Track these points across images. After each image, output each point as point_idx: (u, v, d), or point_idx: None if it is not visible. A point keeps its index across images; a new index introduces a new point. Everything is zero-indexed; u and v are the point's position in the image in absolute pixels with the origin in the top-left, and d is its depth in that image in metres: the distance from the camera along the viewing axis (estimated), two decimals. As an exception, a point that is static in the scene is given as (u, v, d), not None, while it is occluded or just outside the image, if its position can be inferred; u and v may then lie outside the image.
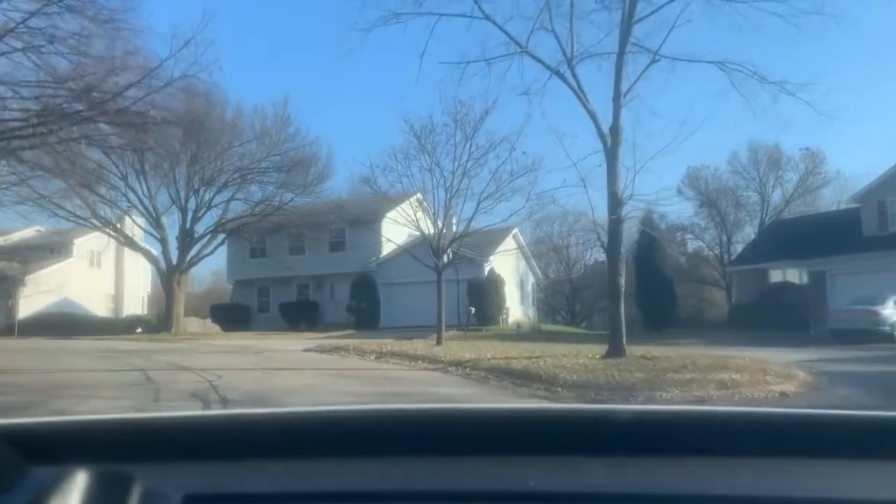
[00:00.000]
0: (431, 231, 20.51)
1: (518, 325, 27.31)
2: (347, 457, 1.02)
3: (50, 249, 40.89)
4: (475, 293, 30.74)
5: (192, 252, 29.13)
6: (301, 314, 33.81)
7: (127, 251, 42.77)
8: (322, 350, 17.72)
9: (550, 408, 1.55)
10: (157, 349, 19.05)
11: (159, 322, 31.62)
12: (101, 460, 0.90)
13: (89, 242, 39.65)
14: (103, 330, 35.00)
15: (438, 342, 17.45)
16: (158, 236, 28.17)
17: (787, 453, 0.99)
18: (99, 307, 40.93)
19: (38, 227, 44.72)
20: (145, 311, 43.68)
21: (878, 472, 0.97)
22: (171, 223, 29.31)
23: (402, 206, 35.62)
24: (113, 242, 41.00)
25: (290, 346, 20.59)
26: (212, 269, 70.69)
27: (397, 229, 35.38)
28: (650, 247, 29.01)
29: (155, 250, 30.41)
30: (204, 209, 28.34)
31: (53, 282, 36.59)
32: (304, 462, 1.02)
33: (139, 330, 37.67)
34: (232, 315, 34.92)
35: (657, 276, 29.07)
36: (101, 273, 42.07)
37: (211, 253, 29.05)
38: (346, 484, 0.96)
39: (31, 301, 36.19)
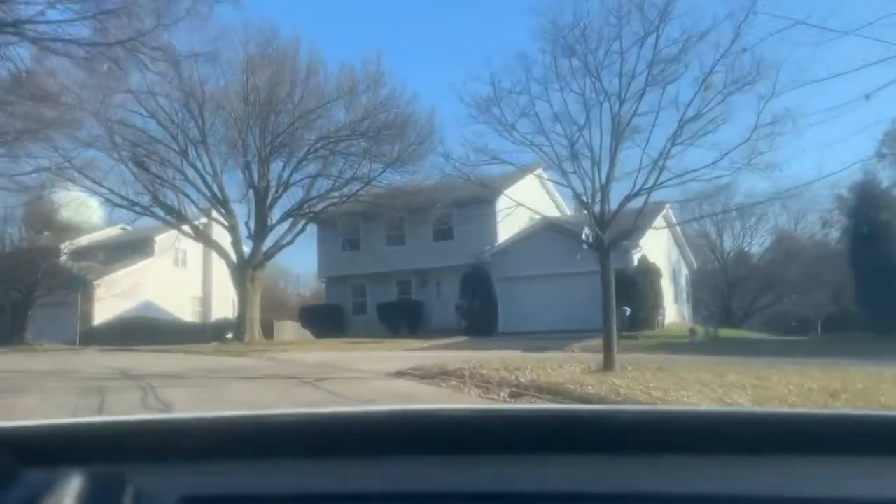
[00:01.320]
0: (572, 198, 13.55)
1: (692, 332, 19.98)
2: (345, 458, 0.99)
3: (132, 248, 37.28)
4: (623, 288, 23.59)
5: (269, 242, 23.68)
6: (402, 316, 27.91)
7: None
8: (422, 375, 11.39)
9: (557, 408, 1.53)
10: (194, 370, 13.45)
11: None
12: (95, 462, 0.89)
13: (173, 239, 35.58)
14: (186, 337, 30.73)
15: (608, 364, 10.58)
16: (227, 224, 22.99)
17: (789, 452, 0.97)
18: (185, 311, 36.89)
19: (122, 225, 41.53)
20: (235, 315, 39.44)
21: (879, 470, 0.95)
22: (242, 211, 23.98)
23: (523, 181, 29.14)
24: (199, 234, 36.83)
25: (380, 363, 14.47)
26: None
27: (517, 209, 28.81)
28: (874, 222, 20.78)
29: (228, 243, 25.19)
30: (281, 188, 22.88)
31: (131, 283, 32.65)
32: (301, 464, 0.99)
33: (229, 335, 33.25)
34: (323, 318, 29.56)
35: (885, 263, 20.76)
36: (186, 273, 38.05)
37: (290, 242, 23.53)
38: (343, 485, 0.95)
39: (109, 305, 32.41)
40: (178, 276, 37.28)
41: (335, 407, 1.51)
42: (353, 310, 30.42)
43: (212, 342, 32.63)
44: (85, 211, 38.84)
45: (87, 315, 32.34)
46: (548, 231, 25.72)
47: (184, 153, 21.61)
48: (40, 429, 1.04)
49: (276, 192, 22.64)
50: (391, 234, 29.26)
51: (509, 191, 28.46)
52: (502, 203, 27.96)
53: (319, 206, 23.18)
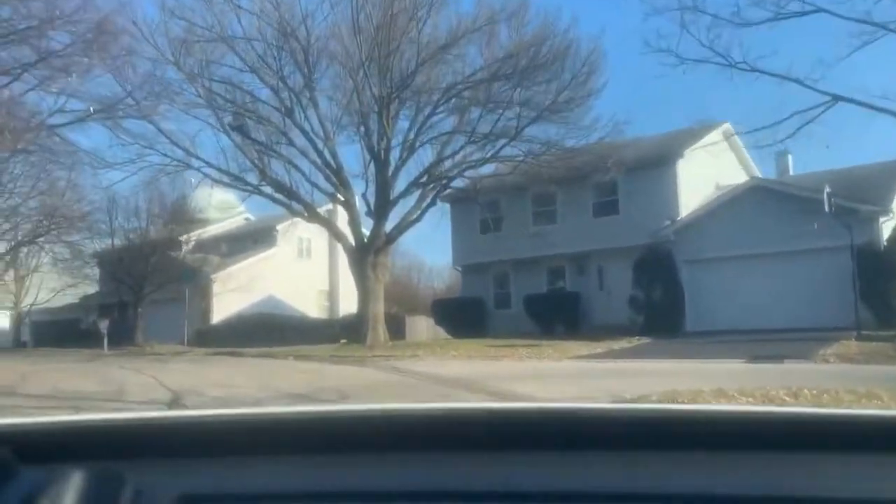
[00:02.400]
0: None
1: None
2: (345, 456, 0.98)
3: (253, 239, 34.52)
4: (871, 268, 17.08)
5: (392, 222, 19.10)
6: (556, 311, 22.71)
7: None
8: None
9: (548, 407, 1.19)
10: (279, 395, 8.98)
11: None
12: (95, 460, 0.89)
13: (296, 228, 32.35)
14: (311, 335, 27.39)
15: None
16: (342, 198, 18.67)
17: (788, 450, 0.96)
18: (310, 306, 33.61)
19: (247, 216, 39.19)
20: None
21: (878, 469, 0.94)
22: (360, 186, 19.44)
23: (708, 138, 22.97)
24: (311, 213, 33.37)
25: (553, 384, 9.43)
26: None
27: (702, 174, 22.67)
28: None
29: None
30: (406, 152, 18.20)
31: (250, 277, 29.67)
32: (301, 461, 0.98)
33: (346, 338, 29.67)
34: (460, 313, 24.97)
35: None
36: (311, 264, 34.81)
37: (418, 219, 18.75)
38: (344, 483, 0.94)
39: (229, 301, 29.56)
40: (302, 267, 34.09)
41: (333, 406, 1.37)
42: (495, 303, 25.53)
43: (340, 340, 29.31)
44: (208, 200, 36.83)
45: (205, 313, 29.70)
46: (756, 196, 19.50)
47: (288, 112, 17.52)
48: (39, 426, 1.04)
49: (401, 156, 18.11)
50: (540, 210, 24.08)
51: (688, 152, 22.62)
52: (683, 166, 22.14)
53: (454, 172, 18.23)
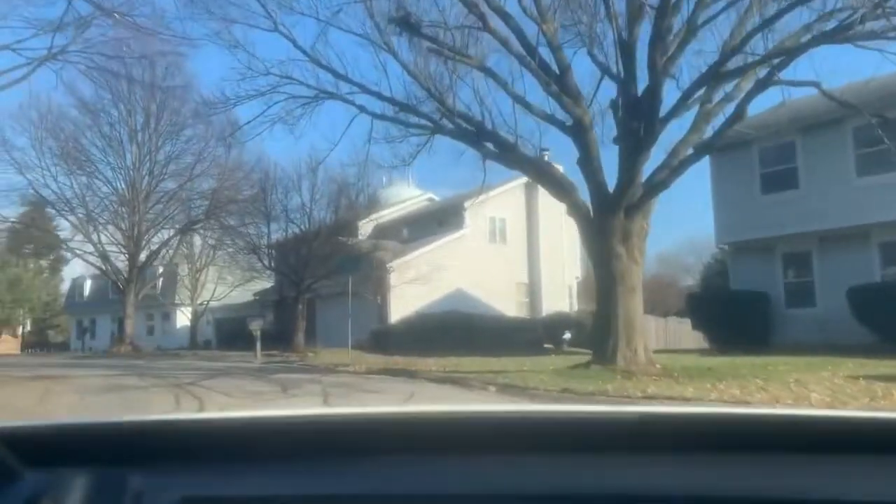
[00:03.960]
0: None
1: None
2: (346, 459, 0.97)
3: (437, 221, 28.60)
4: None
5: (652, 163, 11.36)
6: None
7: (543, 215, 28.13)
8: None
9: (555, 409, 1.24)
10: None
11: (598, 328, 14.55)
12: (98, 463, 0.90)
13: (487, 206, 25.83)
14: (510, 340, 21.22)
15: None
16: (571, 117, 11.10)
17: (789, 452, 0.96)
18: (506, 302, 27.00)
19: (431, 195, 33.64)
20: (575, 308, 28.46)
21: (878, 471, 0.94)
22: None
23: None
24: (521, 202, 26.76)
25: None
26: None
27: None
28: None
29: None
30: (683, 34, 10.24)
31: (431, 266, 23.65)
32: (304, 464, 0.98)
33: (566, 336, 22.64)
34: (727, 313, 16.93)
35: None
36: (506, 251, 28.17)
37: (706, 150, 10.34)
38: (344, 486, 0.94)
39: (409, 295, 23.81)
40: (496, 254, 27.59)
41: (334, 410, 1.24)
42: (787, 299, 17.08)
43: (543, 345, 22.87)
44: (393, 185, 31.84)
45: (381, 309, 24.16)
46: None
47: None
48: (43, 429, 1.04)
49: (674, 40, 10.21)
50: (863, 155, 15.26)
51: None
52: None
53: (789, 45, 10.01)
